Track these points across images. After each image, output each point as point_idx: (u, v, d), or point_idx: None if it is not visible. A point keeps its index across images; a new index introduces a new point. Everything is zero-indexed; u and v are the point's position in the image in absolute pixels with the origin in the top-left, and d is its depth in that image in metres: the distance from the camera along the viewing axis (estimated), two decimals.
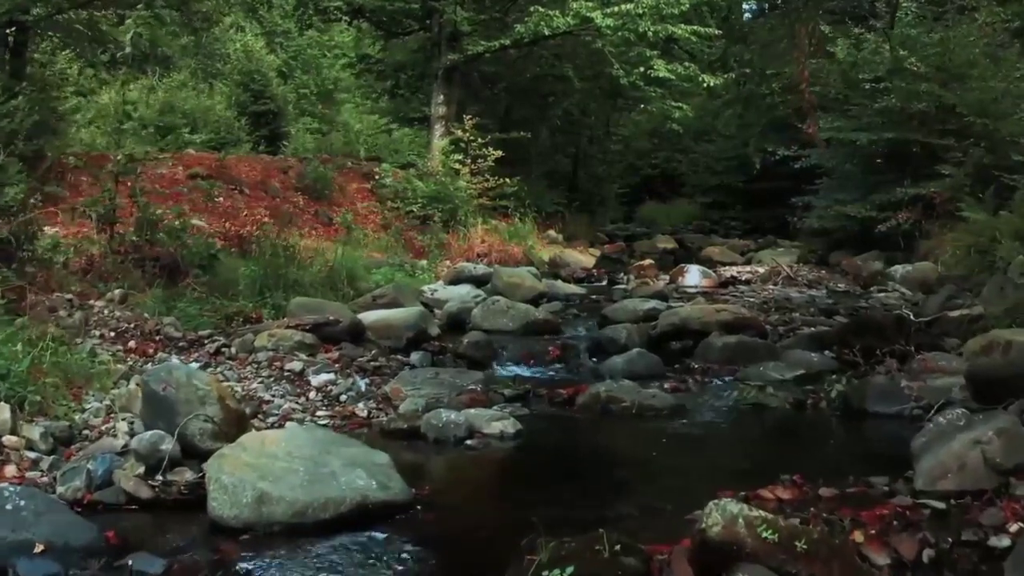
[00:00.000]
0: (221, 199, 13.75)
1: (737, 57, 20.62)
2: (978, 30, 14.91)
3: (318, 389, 6.61)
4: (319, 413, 6.22)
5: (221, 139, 19.82)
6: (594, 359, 8.13)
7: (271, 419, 6.03)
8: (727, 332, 8.37)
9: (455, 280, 11.50)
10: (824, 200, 15.95)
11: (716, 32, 16.75)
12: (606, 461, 5.58)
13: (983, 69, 14.18)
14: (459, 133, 15.96)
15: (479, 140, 15.76)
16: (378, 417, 6.24)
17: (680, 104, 17.66)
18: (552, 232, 17.76)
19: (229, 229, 10.50)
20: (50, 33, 15.27)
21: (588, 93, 19.27)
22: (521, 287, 10.97)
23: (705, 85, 16.73)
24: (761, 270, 14.38)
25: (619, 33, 15.76)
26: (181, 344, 7.31)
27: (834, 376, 7.49)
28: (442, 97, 17.60)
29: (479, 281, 11.46)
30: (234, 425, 5.01)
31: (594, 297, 11.68)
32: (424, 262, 12.75)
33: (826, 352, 8.38)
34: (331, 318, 7.73)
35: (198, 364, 6.92)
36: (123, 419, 5.36)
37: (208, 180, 14.13)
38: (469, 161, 15.86)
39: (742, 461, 5.64)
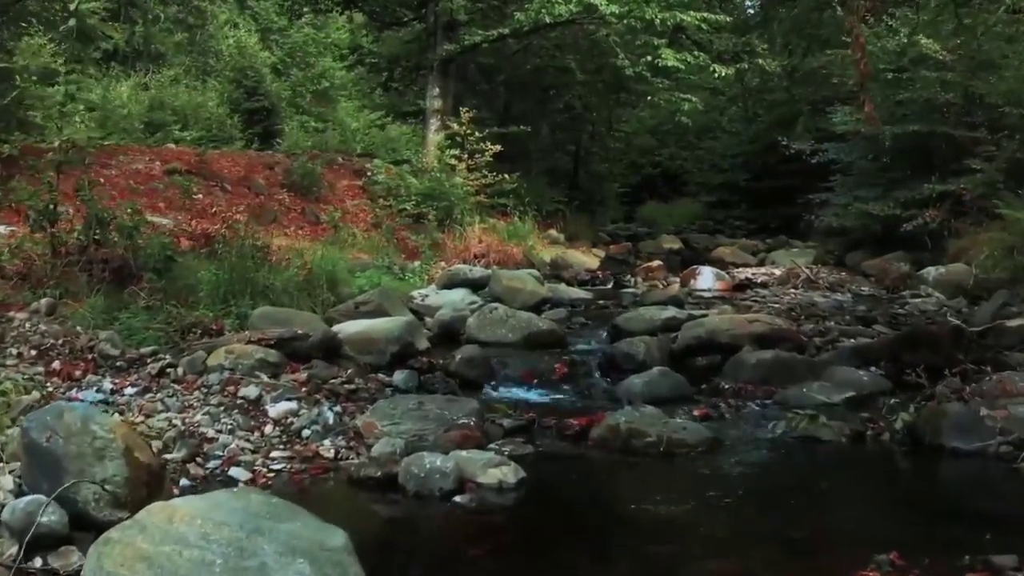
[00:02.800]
0: (200, 196, 12.43)
1: (776, 34, 18.77)
2: (1007, 15, 13.52)
3: (276, 422, 5.26)
4: (274, 454, 4.88)
5: (212, 136, 18.66)
6: (607, 378, 6.79)
7: (212, 463, 4.69)
8: (760, 346, 7.03)
9: (449, 284, 10.12)
10: (843, 197, 14.55)
11: (727, 19, 15.34)
12: (635, 524, 4.22)
13: (1015, 56, 12.81)
14: (455, 127, 14.60)
15: (476, 134, 14.38)
16: (348, 458, 4.90)
17: (689, 96, 16.24)
18: (553, 232, 16.40)
19: (196, 228, 9.13)
20: (25, 23, 14.07)
21: (590, 87, 17.85)
22: (522, 292, 9.63)
23: (716, 75, 15.37)
24: (777, 272, 13.03)
25: (624, 21, 14.40)
26: (119, 363, 5.96)
27: (893, 400, 6.20)
28: (437, 90, 16.23)
29: (475, 285, 10.10)
30: (144, 486, 3.67)
31: (602, 302, 10.32)
32: (415, 264, 11.38)
33: (872, 368, 7.07)
34: (299, 332, 6.37)
35: (135, 389, 5.59)
36: (10, 472, 4.01)
37: (186, 176, 12.83)
38: (466, 156, 14.49)
39: (807, 522, 4.29)
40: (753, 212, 22.49)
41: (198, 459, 4.71)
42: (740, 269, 13.66)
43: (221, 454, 4.79)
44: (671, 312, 7.94)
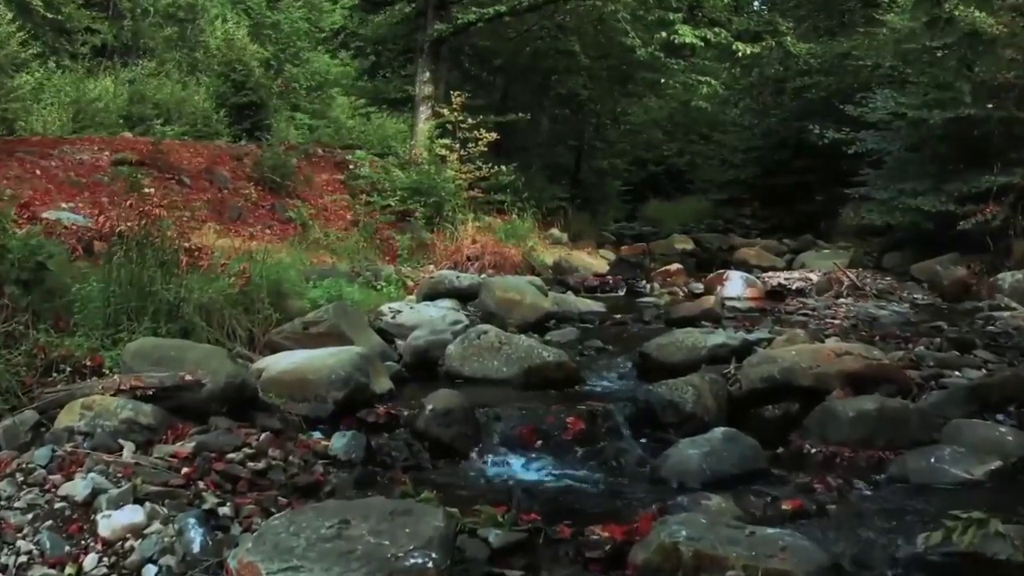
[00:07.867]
0: (152, 190, 10.19)
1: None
2: None
3: (107, 545, 3.00)
4: None
5: (197, 131, 16.57)
6: (643, 439, 4.52)
7: None
8: (854, 389, 4.76)
9: (431, 294, 7.83)
10: (885, 192, 12.21)
11: None
12: None
13: None
14: (446, 114, 12.32)
15: (469, 120, 12.10)
16: None
17: (708, 78, 13.92)
18: (555, 231, 14.09)
19: (103, 225, 6.86)
20: None
21: (595, 73, 15.50)
22: (520, 305, 7.37)
23: (739, 54, 13.08)
24: (814, 277, 10.75)
25: None
26: None
27: None
28: (428, 75, 13.93)
29: (464, 295, 7.83)
30: None
31: (619, 316, 8.05)
32: (390, 269, 9.07)
33: (1000, 417, 4.87)
34: (188, 377, 4.09)
35: None
36: None
37: (137, 168, 10.59)
38: (458, 146, 12.22)
39: None
40: (766, 210, 20.29)
41: None
42: (769, 273, 11.39)
43: None
44: (720, 337, 5.65)
